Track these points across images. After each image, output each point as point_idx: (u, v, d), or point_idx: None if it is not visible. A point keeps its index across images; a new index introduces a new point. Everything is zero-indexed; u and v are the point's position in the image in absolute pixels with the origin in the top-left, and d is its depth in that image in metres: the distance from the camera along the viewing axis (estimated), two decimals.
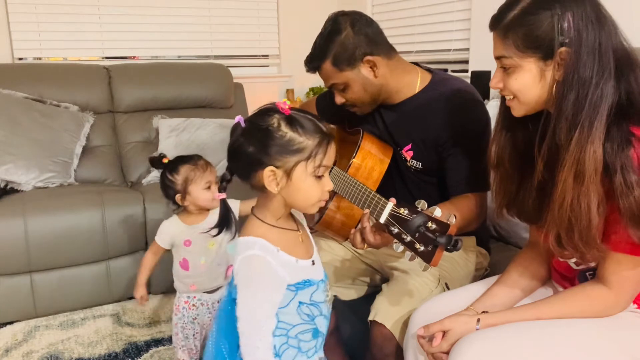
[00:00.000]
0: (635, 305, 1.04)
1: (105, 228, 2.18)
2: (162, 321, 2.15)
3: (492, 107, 1.85)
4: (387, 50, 1.43)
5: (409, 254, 1.03)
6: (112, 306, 2.29)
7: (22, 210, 2.09)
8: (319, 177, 0.94)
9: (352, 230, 1.20)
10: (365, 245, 1.17)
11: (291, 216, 1.04)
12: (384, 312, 1.28)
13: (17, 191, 2.31)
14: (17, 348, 1.97)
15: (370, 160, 1.47)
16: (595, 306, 1.02)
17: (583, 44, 0.92)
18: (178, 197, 1.56)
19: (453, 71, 2.76)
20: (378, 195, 1.16)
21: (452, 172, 1.40)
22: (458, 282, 1.41)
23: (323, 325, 1.02)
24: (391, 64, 1.43)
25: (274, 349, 0.96)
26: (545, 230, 1.01)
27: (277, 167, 0.91)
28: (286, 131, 0.91)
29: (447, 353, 1.04)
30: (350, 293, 1.60)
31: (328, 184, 0.96)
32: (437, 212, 1.01)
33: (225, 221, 1.00)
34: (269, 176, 0.92)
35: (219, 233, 0.99)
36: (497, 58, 1.02)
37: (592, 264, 1.05)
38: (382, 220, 1.10)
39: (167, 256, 1.68)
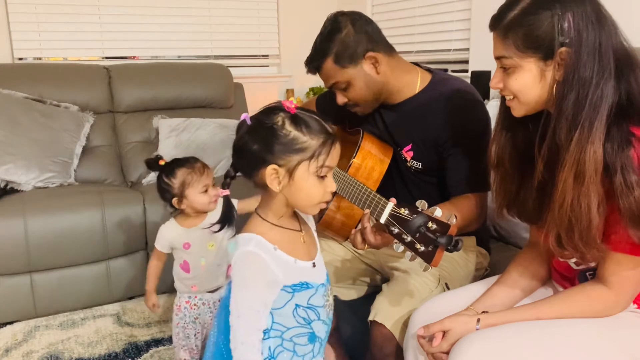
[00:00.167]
0: (635, 305, 1.04)
1: (105, 228, 2.18)
2: (162, 321, 2.15)
3: (492, 107, 1.85)
4: (387, 48, 1.44)
5: (409, 254, 1.03)
6: (112, 306, 2.29)
7: (22, 210, 2.09)
8: (322, 178, 0.94)
9: (353, 231, 1.21)
10: (366, 245, 1.17)
11: (295, 216, 1.04)
12: (384, 312, 1.28)
13: (17, 191, 2.31)
14: (17, 348, 1.97)
15: (371, 160, 1.47)
16: (595, 306, 1.02)
17: (583, 44, 0.92)
18: (175, 200, 1.54)
19: (453, 71, 2.76)
20: (378, 196, 1.16)
21: (452, 172, 1.40)
22: (458, 282, 1.41)
23: (321, 330, 1.02)
24: (392, 62, 1.43)
25: (268, 350, 0.96)
26: (546, 230, 1.01)
27: (279, 165, 0.91)
28: (290, 130, 0.91)
29: (447, 353, 1.04)
30: (350, 293, 1.60)
31: (331, 185, 0.96)
32: (438, 212, 1.01)
33: (228, 218, 1.00)
34: (271, 174, 0.92)
35: (221, 229, 0.99)
36: (497, 58, 1.02)
37: (592, 264, 1.05)
38: (382, 220, 1.10)
39: (168, 257, 1.68)
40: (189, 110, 2.96)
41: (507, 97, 1.06)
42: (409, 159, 1.47)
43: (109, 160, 2.71)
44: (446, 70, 2.77)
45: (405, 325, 1.23)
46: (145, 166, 1.66)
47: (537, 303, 1.08)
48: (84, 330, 2.10)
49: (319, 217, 1.48)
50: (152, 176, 2.56)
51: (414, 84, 1.46)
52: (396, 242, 1.06)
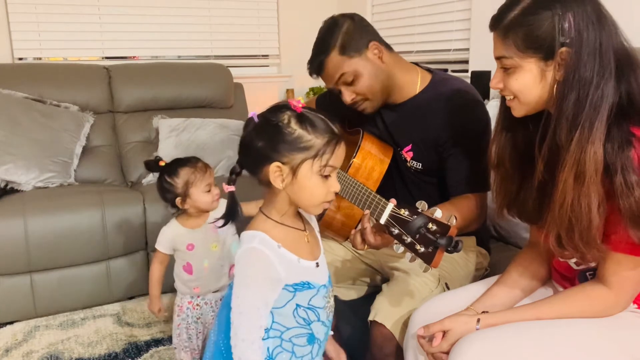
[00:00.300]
0: (635, 305, 1.04)
1: (105, 228, 2.18)
2: (162, 321, 2.15)
3: (492, 107, 1.85)
4: (387, 45, 1.44)
5: (409, 255, 1.03)
6: (112, 306, 2.29)
7: (22, 210, 2.09)
8: (325, 177, 0.94)
9: (353, 231, 1.20)
10: (366, 246, 1.17)
11: (299, 216, 1.04)
12: (384, 312, 1.28)
13: (17, 191, 2.31)
14: (17, 348, 1.97)
15: (371, 160, 1.47)
16: (595, 306, 1.02)
17: (584, 44, 0.92)
18: (178, 200, 1.54)
19: (453, 71, 2.76)
20: (378, 196, 1.16)
21: (452, 173, 1.40)
22: (458, 282, 1.41)
23: (321, 332, 1.02)
24: (393, 56, 1.44)
25: (267, 350, 0.96)
26: (546, 230, 1.01)
27: (283, 163, 0.92)
28: (295, 128, 0.91)
29: (447, 353, 1.04)
30: (350, 293, 1.60)
31: (334, 185, 0.96)
32: (438, 213, 1.01)
33: (232, 213, 1.00)
34: (275, 171, 0.92)
35: (225, 224, 0.99)
36: (498, 58, 1.02)
37: (593, 264, 1.05)
38: (382, 221, 1.10)
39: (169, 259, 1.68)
40: (189, 110, 2.96)
41: (508, 97, 1.06)
42: (409, 159, 1.47)
43: (109, 160, 2.71)
44: (446, 70, 2.77)
45: (405, 325, 1.23)
46: (145, 167, 1.65)
47: (537, 303, 1.08)
48: (84, 330, 2.10)
49: (319, 217, 1.48)
50: (152, 176, 2.56)
51: (415, 83, 1.46)
52: (396, 243, 1.06)
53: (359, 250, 1.20)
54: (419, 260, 1.02)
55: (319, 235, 1.09)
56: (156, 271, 1.62)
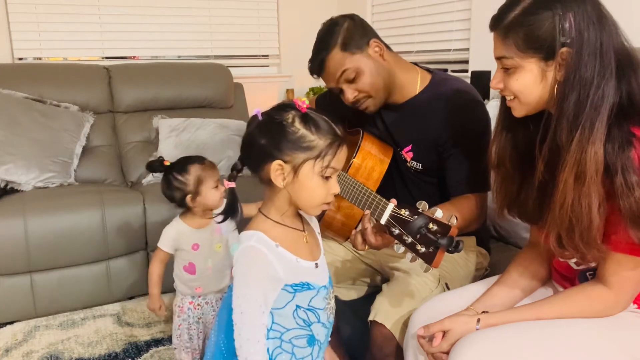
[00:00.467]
0: (635, 305, 1.04)
1: (105, 228, 2.18)
2: (162, 321, 2.15)
3: (492, 107, 1.85)
4: (386, 44, 1.44)
5: (410, 255, 1.03)
6: (112, 306, 2.29)
7: (22, 210, 2.09)
8: (326, 179, 0.95)
9: (353, 231, 1.20)
10: (366, 246, 1.17)
11: (299, 217, 1.04)
12: (384, 312, 1.28)
13: (17, 191, 2.31)
14: (17, 348, 1.97)
15: (371, 160, 1.47)
16: (595, 306, 1.02)
17: (584, 44, 0.92)
18: (189, 198, 1.53)
19: (453, 71, 2.76)
20: (379, 197, 1.16)
21: (452, 173, 1.40)
22: (458, 282, 1.41)
23: (321, 333, 1.02)
24: (393, 55, 1.44)
25: (267, 352, 0.96)
26: (546, 230, 1.01)
27: (285, 161, 0.92)
28: (299, 127, 0.92)
29: (447, 353, 1.04)
30: (350, 293, 1.60)
31: (334, 187, 0.96)
32: (438, 213, 1.01)
33: (232, 209, 1.00)
34: (276, 170, 0.93)
35: (224, 220, 0.99)
36: (498, 58, 1.02)
37: (593, 264, 1.05)
38: (382, 221, 1.10)
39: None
40: (189, 110, 2.96)
41: (508, 98, 1.05)
42: (409, 159, 1.47)
43: (109, 160, 2.71)
44: (446, 70, 2.77)
45: (405, 325, 1.23)
46: (148, 169, 1.63)
47: (537, 303, 1.08)
48: (84, 330, 2.10)
49: (320, 217, 1.48)
50: (152, 176, 2.56)
51: (415, 83, 1.46)
52: (397, 243, 1.06)
53: (359, 250, 1.20)
54: (419, 261, 1.02)
55: (319, 236, 1.09)
56: (156, 269, 1.61)
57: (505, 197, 1.16)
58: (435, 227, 0.99)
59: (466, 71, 2.65)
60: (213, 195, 1.53)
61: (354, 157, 1.45)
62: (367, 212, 1.17)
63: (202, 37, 3.35)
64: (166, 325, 2.11)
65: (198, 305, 1.62)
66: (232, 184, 0.99)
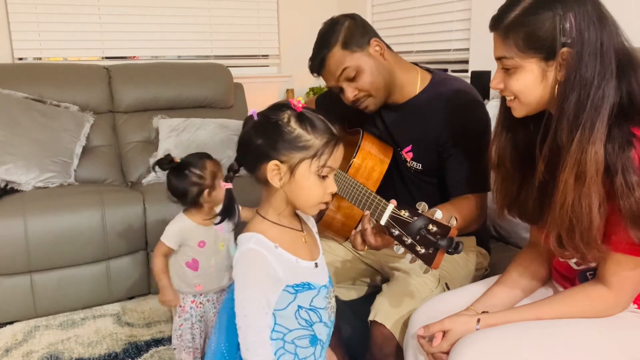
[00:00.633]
0: (635, 306, 1.04)
1: (105, 228, 2.18)
2: (162, 321, 2.15)
3: (492, 107, 1.85)
4: (387, 44, 1.44)
5: (409, 256, 1.03)
6: (112, 306, 2.29)
7: (22, 210, 2.09)
8: (323, 178, 0.94)
9: (353, 232, 1.20)
10: (366, 246, 1.17)
11: (296, 217, 1.04)
12: (384, 312, 1.28)
13: (17, 191, 2.31)
14: (17, 348, 1.97)
15: (371, 160, 1.47)
16: (595, 306, 1.02)
17: (585, 45, 0.92)
18: (206, 192, 1.52)
19: (453, 71, 2.76)
20: (379, 197, 1.16)
21: (452, 173, 1.40)
22: (458, 282, 1.41)
23: (323, 333, 1.02)
24: (394, 55, 1.44)
25: None
26: (546, 230, 1.01)
27: (282, 161, 0.92)
28: (295, 127, 0.92)
29: (447, 353, 1.04)
30: (350, 294, 1.60)
31: (331, 187, 0.96)
32: (438, 214, 1.01)
33: (229, 210, 1.00)
34: (273, 170, 0.93)
35: (221, 221, 0.99)
36: (498, 59, 1.02)
37: (593, 264, 1.05)
38: (382, 222, 1.10)
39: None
40: (189, 110, 2.96)
41: (508, 98, 1.05)
42: (409, 159, 1.47)
43: (109, 160, 2.71)
44: (446, 70, 2.77)
45: (405, 325, 1.23)
46: (157, 167, 1.57)
47: (537, 303, 1.08)
48: (84, 330, 2.10)
49: (319, 217, 1.48)
50: (152, 176, 2.56)
51: (415, 83, 1.46)
52: (396, 244, 1.06)
53: (359, 250, 1.20)
54: (419, 262, 1.02)
55: (317, 236, 1.09)
56: (159, 263, 1.59)
57: (505, 197, 1.16)
58: (435, 229, 0.99)
59: (466, 71, 2.65)
60: (223, 190, 1.53)
61: (354, 157, 1.45)
62: (367, 212, 1.17)
63: (202, 37, 3.35)
64: (166, 325, 2.11)
65: (200, 303, 1.61)
66: (230, 185, 0.99)
